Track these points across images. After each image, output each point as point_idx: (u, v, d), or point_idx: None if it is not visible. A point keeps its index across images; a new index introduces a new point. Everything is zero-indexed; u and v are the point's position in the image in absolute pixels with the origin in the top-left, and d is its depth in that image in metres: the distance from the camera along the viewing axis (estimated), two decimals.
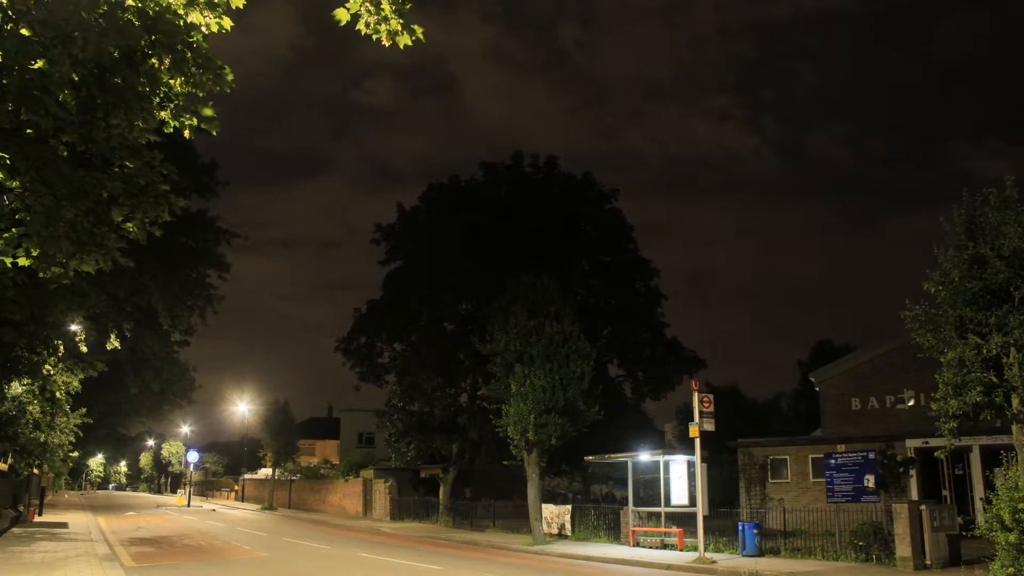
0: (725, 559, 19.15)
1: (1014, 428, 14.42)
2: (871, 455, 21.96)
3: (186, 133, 7.19)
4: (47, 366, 23.32)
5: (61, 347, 23.14)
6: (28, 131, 6.38)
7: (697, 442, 19.95)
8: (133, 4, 6.29)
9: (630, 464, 24.83)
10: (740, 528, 20.19)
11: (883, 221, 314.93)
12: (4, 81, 6.05)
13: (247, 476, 65.10)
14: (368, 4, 5.96)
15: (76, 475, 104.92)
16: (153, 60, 6.46)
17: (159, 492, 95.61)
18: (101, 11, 6.13)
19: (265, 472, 59.61)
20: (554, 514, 26.86)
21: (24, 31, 6.07)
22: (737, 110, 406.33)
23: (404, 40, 6.15)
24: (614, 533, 24.71)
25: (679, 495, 23.05)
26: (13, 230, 6.94)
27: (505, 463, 38.04)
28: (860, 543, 18.52)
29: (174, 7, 6.42)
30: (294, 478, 54.21)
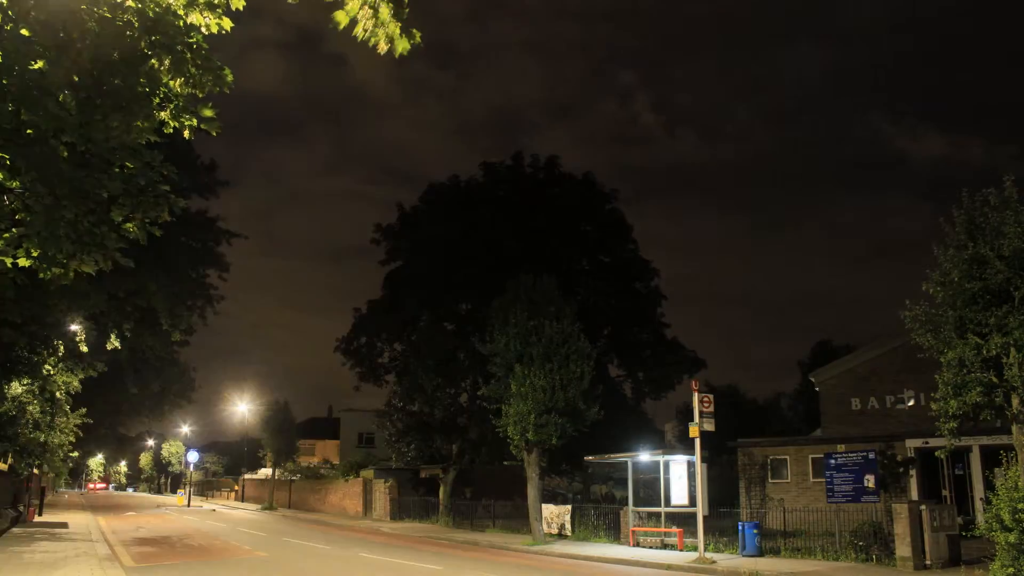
0: (725, 559, 19.15)
1: (1014, 428, 14.43)
2: (871, 455, 21.97)
3: (186, 133, 7.19)
4: (47, 366, 23.32)
5: (61, 347, 23.15)
6: (28, 131, 6.38)
7: (697, 442, 19.96)
8: (133, 5, 6.29)
9: (630, 464, 24.83)
10: (740, 528, 20.19)
11: (812, 218, 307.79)
12: (4, 81, 6.05)
13: (247, 476, 65.11)
14: (366, 8, 5.94)
15: (76, 475, 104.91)
16: (153, 61, 6.45)
17: (159, 492, 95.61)
18: (102, 12, 6.13)
19: (265, 472, 59.60)
20: (554, 514, 26.86)
21: (24, 31, 6.06)
22: (644, 89, 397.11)
23: (403, 45, 6.13)
24: (614, 533, 24.71)
25: (679, 495, 23.06)
26: (13, 230, 6.94)
27: (505, 463, 38.08)
28: (860, 543, 18.53)
29: (174, 8, 6.41)
30: (294, 478, 54.20)
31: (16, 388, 23.24)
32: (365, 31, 6.01)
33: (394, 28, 6.00)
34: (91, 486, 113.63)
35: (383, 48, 6.08)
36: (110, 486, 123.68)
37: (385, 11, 5.91)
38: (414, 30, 6.10)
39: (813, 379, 34.17)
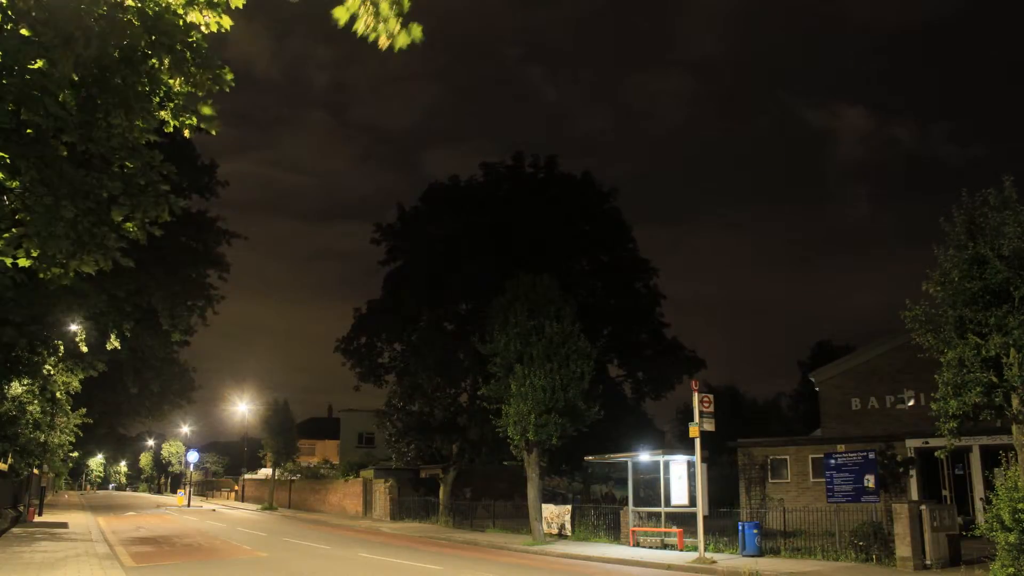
0: (725, 559, 19.15)
1: (1014, 428, 14.43)
2: (871, 455, 21.97)
3: (186, 132, 7.19)
4: (47, 366, 23.31)
5: (61, 347, 23.14)
6: (28, 131, 6.38)
7: (697, 442, 19.96)
8: (133, 4, 6.29)
9: (630, 464, 24.83)
10: (740, 528, 20.19)
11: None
12: (4, 81, 6.06)
13: (247, 476, 65.09)
14: (366, 4, 5.94)
15: (76, 475, 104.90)
16: (153, 60, 6.46)
17: (159, 492, 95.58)
18: (101, 12, 6.13)
19: (265, 472, 59.60)
20: (554, 514, 26.85)
21: (24, 31, 6.07)
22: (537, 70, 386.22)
23: (402, 41, 6.13)
24: (614, 533, 24.71)
25: (679, 495, 23.05)
26: (13, 230, 6.94)
27: (505, 463, 38.04)
28: (860, 543, 18.53)
29: (174, 7, 6.42)
30: (294, 478, 54.19)
31: (16, 388, 23.24)
32: (366, 27, 6.02)
33: (395, 24, 6.01)
34: (88, 488, 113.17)
35: (384, 44, 6.09)
36: (110, 486, 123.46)
37: (385, 6, 5.92)
38: (414, 25, 6.10)
39: (813, 379, 34.17)
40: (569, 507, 27.21)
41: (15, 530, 26.50)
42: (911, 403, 29.28)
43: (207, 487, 78.68)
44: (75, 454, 45.51)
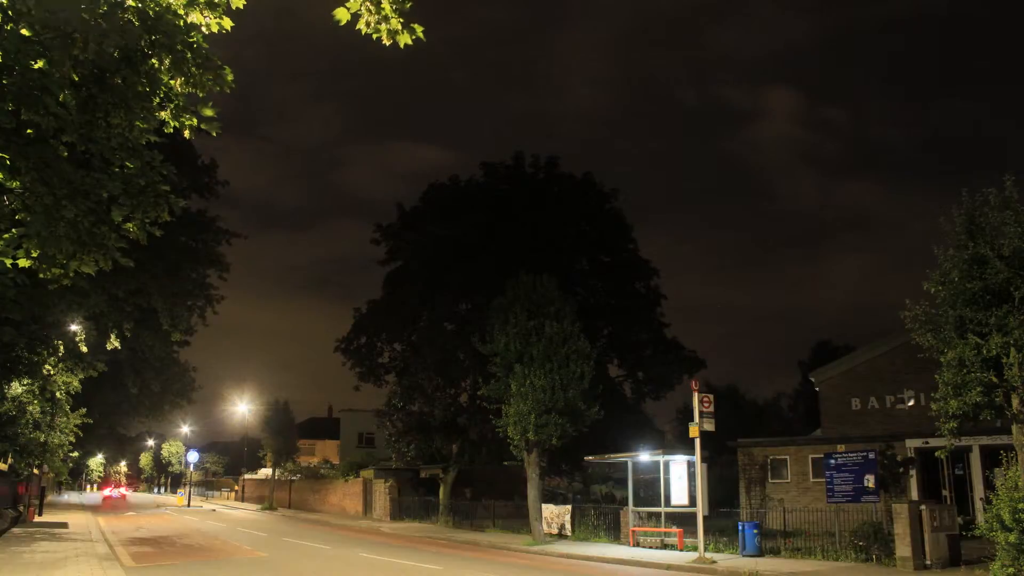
0: (725, 559, 19.15)
1: (1014, 428, 14.43)
2: (871, 455, 21.98)
3: (186, 133, 7.19)
4: (47, 366, 23.31)
5: (61, 347, 23.15)
6: (28, 131, 6.38)
7: (697, 442, 19.95)
8: (133, 4, 6.29)
9: (630, 464, 24.83)
10: (740, 528, 20.19)
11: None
12: (4, 81, 6.05)
13: (247, 476, 65.09)
14: (368, 3, 5.95)
15: (76, 475, 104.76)
16: (153, 60, 6.46)
17: (159, 492, 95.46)
18: (102, 11, 6.13)
19: (265, 472, 59.60)
20: (554, 514, 26.86)
21: (24, 31, 6.06)
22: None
23: (404, 39, 6.15)
24: (614, 533, 24.71)
25: (679, 495, 23.05)
26: (13, 230, 6.94)
27: (505, 463, 38.07)
28: (860, 543, 18.54)
29: (174, 7, 6.42)
30: (294, 478, 54.20)
31: (16, 388, 23.25)
32: (368, 25, 6.04)
33: (396, 23, 6.03)
34: (108, 491, 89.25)
35: (387, 42, 6.12)
36: (117, 489, 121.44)
37: (387, 5, 5.94)
38: (415, 25, 6.12)
39: (813, 379, 34.16)
40: (569, 507, 27.21)
41: (15, 530, 26.50)
42: (911, 403, 29.27)
43: (207, 487, 78.73)
44: (75, 454, 45.49)
